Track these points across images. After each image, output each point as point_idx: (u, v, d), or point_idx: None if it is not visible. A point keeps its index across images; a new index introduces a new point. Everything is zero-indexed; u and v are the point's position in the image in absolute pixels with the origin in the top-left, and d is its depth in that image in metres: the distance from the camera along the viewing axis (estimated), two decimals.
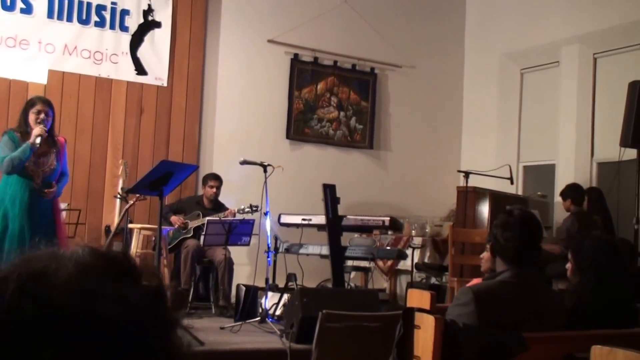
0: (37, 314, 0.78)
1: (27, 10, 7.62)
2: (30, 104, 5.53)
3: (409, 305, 3.23)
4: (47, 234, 5.33)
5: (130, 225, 7.06)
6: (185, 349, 0.87)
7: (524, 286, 3.05)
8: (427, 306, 3.08)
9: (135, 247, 6.95)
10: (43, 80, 7.67)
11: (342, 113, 9.35)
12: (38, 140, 5.30)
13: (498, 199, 7.85)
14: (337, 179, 7.63)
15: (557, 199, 8.21)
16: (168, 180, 5.74)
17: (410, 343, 2.94)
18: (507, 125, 9.54)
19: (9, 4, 7.53)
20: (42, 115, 5.39)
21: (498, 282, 3.08)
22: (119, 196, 7.25)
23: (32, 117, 5.40)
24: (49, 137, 5.51)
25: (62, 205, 7.03)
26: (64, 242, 5.50)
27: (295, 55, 9.05)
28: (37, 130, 5.32)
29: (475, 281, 3.72)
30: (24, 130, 5.42)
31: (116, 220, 7.19)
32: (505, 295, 3.01)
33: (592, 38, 8.49)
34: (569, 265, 3.74)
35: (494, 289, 3.05)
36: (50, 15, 7.72)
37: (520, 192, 9.11)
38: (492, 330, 2.84)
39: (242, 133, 8.62)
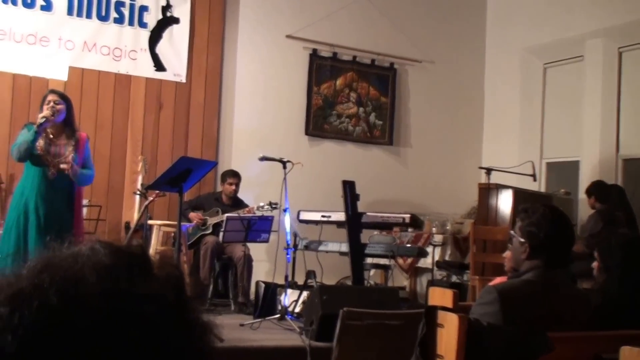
0: (88, 322, 0.76)
1: (47, 7, 7.64)
2: (44, 97, 5.56)
3: (430, 303, 3.16)
4: (64, 227, 5.33)
5: (149, 222, 7.05)
6: (213, 339, 0.87)
7: (550, 285, 2.99)
8: (449, 304, 3.02)
9: (154, 244, 6.94)
10: (63, 76, 7.68)
11: (361, 109, 9.28)
12: (42, 120, 5.30)
13: (521, 196, 7.76)
14: (357, 175, 7.59)
15: (582, 196, 8.11)
16: (187, 176, 5.75)
17: (433, 342, 2.90)
18: (529, 121, 9.42)
19: (29, 1, 7.55)
20: (50, 104, 5.40)
21: (523, 281, 3.01)
22: (138, 192, 7.25)
23: (43, 108, 5.41)
24: (67, 128, 5.51)
25: (84, 202, 7.04)
26: (81, 237, 5.47)
27: (314, 50, 9.00)
28: (42, 113, 5.34)
29: (499, 280, 3.63)
30: None
31: (136, 216, 7.19)
32: (531, 295, 2.95)
33: (617, 31, 8.36)
34: (595, 264, 3.67)
35: (519, 288, 2.98)
36: (69, 12, 7.74)
37: (543, 189, 9.02)
38: (516, 330, 2.78)
39: (260, 129, 8.59)
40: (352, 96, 9.22)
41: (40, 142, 5.35)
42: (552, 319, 2.90)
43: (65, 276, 0.79)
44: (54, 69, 7.64)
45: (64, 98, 5.52)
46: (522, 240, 3.01)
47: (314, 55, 9.01)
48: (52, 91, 5.64)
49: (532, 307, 2.90)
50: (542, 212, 3.02)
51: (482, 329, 2.76)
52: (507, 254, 3.21)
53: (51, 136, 5.44)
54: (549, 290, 2.97)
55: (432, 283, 7.72)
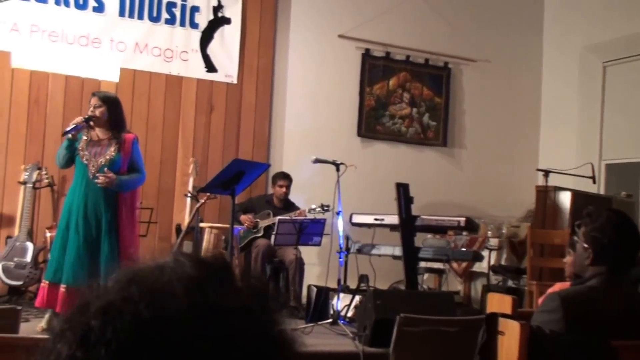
0: (178, 335, 0.77)
1: (99, 8, 7.68)
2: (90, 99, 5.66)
3: (488, 309, 3.18)
4: (106, 227, 5.38)
5: (200, 224, 7.02)
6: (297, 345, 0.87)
7: (614, 292, 2.90)
8: (507, 311, 3.03)
9: (205, 247, 6.92)
10: (115, 78, 7.71)
11: (414, 109, 9.14)
12: (71, 127, 5.41)
13: (580, 199, 7.58)
14: (410, 177, 7.47)
15: None
16: (240, 179, 5.76)
17: (494, 350, 2.89)
18: (588, 121, 9.17)
19: (81, 2, 7.60)
20: (91, 108, 5.50)
21: (587, 288, 2.92)
22: (189, 195, 7.24)
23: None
24: (111, 129, 5.53)
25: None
26: (127, 240, 5.44)
27: (367, 50, 8.88)
28: (75, 120, 5.45)
29: (559, 286, 3.57)
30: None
31: (186, 218, 7.18)
32: (595, 302, 2.87)
33: None
34: None
35: (583, 295, 2.90)
36: (121, 13, 7.76)
37: (602, 192, 8.77)
38: (580, 338, 2.72)
39: (312, 130, 8.52)
40: (405, 97, 9.08)
41: (82, 144, 5.42)
42: (617, 326, 2.83)
43: (154, 289, 0.80)
44: (106, 70, 7.67)
45: (104, 100, 5.58)
46: (586, 245, 2.94)
47: (367, 55, 8.89)
48: (94, 94, 5.71)
49: (596, 314, 2.83)
50: (606, 216, 2.94)
51: (545, 337, 2.73)
52: (568, 259, 3.15)
53: (97, 138, 5.50)
54: (614, 297, 2.90)
55: (487, 288, 7.58)
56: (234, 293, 0.83)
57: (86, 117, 5.45)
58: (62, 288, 5.30)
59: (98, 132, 5.51)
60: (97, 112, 5.47)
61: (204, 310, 0.78)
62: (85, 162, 5.43)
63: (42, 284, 5.47)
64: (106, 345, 0.75)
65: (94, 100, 5.53)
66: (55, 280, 5.33)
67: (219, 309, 0.79)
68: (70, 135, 5.41)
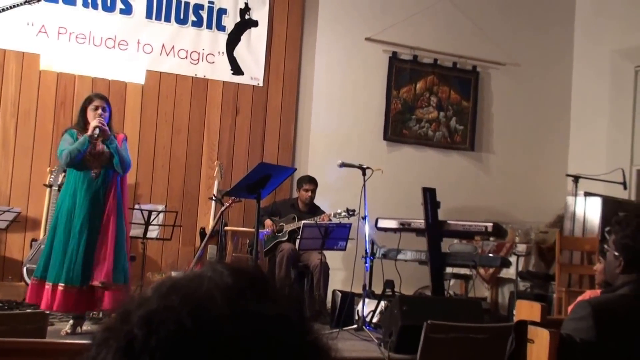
0: (219, 344, 0.78)
1: (127, 10, 7.68)
2: (87, 100, 5.66)
3: (517, 317, 3.13)
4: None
5: (225, 228, 6.98)
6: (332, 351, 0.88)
7: None
8: (536, 318, 2.96)
9: (230, 250, 6.88)
10: (141, 80, 7.71)
11: (442, 113, 9.04)
12: (96, 131, 5.42)
13: (610, 205, 7.47)
14: (437, 182, 7.40)
15: None
16: (266, 183, 5.72)
17: (523, 358, 2.82)
18: (619, 126, 9.02)
19: (109, 4, 7.61)
20: (99, 111, 5.51)
21: (618, 296, 2.86)
22: (214, 198, 7.20)
23: (90, 114, 5.54)
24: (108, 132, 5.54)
25: (159, 207, 7.02)
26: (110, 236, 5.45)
27: (394, 53, 8.81)
28: (94, 122, 5.44)
29: (590, 293, 3.54)
30: (82, 127, 5.57)
31: (211, 222, 7.14)
32: (626, 310, 2.80)
33: None
34: None
35: (613, 303, 2.84)
36: (148, 15, 7.76)
37: (633, 198, 8.63)
38: (611, 346, 2.66)
39: (338, 134, 8.46)
40: (432, 100, 8.99)
41: (89, 147, 5.49)
42: None
43: (194, 298, 0.81)
44: (132, 72, 7.69)
45: (107, 102, 5.63)
46: (617, 253, 2.90)
47: (394, 58, 8.81)
48: (98, 95, 5.72)
49: (627, 323, 2.77)
50: (637, 223, 2.89)
51: (575, 345, 2.67)
52: (598, 266, 3.17)
53: (95, 136, 5.54)
54: None
55: (515, 294, 7.48)
56: (272, 301, 0.83)
57: (101, 122, 5.48)
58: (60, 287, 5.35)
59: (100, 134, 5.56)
60: (105, 116, 5.53)
61: (244, 318, 0.79)
62: (89, 165, 5.48)
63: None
64: (151, 354, 0.76)
65: (102, 103, 5.56)
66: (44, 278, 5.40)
67: (258, 316, 0.80)
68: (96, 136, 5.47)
